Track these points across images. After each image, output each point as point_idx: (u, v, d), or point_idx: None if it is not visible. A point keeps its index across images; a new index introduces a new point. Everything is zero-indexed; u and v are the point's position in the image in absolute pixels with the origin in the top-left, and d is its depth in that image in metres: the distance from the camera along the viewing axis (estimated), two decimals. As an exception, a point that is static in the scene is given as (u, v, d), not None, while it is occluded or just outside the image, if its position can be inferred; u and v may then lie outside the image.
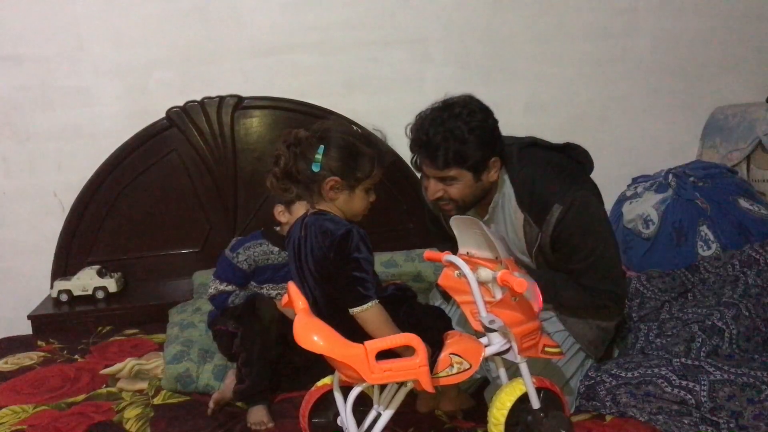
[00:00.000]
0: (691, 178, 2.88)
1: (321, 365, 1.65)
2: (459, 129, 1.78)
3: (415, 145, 1.86)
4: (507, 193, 1.93)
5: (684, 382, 1.90)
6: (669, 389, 1.89)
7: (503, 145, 1.89)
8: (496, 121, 1.87)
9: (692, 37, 3.30)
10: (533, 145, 1.98)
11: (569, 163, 1.97)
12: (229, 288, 2.24)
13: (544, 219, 1.86)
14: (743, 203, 2.82)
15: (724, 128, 3.21)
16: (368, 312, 1.55)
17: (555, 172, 1.91)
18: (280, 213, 2.26)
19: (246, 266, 2.24)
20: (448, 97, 1.86)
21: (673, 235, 2.81)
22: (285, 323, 1.93)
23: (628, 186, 3.13)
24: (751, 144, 3.06)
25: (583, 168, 1.99)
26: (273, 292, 2.26)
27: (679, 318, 2.26)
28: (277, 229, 2.31)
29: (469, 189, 1.86)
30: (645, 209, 2.91)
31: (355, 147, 1.62)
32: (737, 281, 2.37)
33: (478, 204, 1.94)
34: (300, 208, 2.17)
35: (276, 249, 2.26)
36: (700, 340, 2.12)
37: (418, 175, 1.98)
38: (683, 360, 2.01)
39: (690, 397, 1.87)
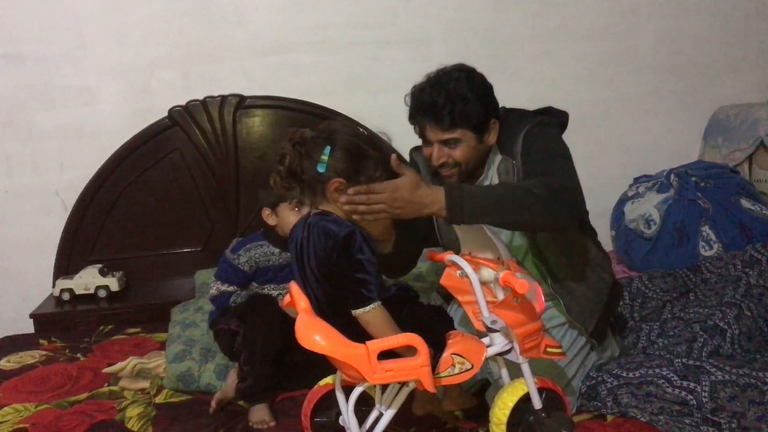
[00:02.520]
0: (693, 178, 2.88)
1: (323, 365, 1.65)
2: (461, 89, 1.83)
3: (418, 110, 1.87)
4: (497, 154, 1.96)
5: (685, 383, 1.90)
6: (670, 390, 1.89)
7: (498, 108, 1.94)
8: (490, 84, 1.91)
9: (694, 37, 3.30)
10: (513, 110, 2.03)
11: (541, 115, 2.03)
12: (231, 289, 2.24)
13: (515, 143, 1.89)
14: (745, 203, 2.81)
15: (726, 128, 3.21)
16: (370, 314, 1.55)
17: (527, 113, 1.99)
18: (268, 216, 2.26)
19: (247, 268, 2.24)
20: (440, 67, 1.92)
21: (675, 235, 2.81)
22: (287, 322, 1.94)
23: (630, 186, 3.13)
24: (753, 144, 3.06)
25: (556, 120, 2.02)
26: (274, 293, 2.26)
27: (681, 318, 2.26)
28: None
29: (472, 151, 1.88)
30: (647, 209, 2.91)
31: (361, 149, 1.61)
32: (739, 281, 2.37)
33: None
34: (285, 209, 2.18)
35: (277, 250, 2.26)
36: (701, 340, 2.12)
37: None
38: (685, 360, 2.01)
39: (691, 397, 1.87)
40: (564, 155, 1.88)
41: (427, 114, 1.86)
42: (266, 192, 2.21)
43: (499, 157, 1.95)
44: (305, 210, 2.09)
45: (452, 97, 1.82)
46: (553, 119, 1.98)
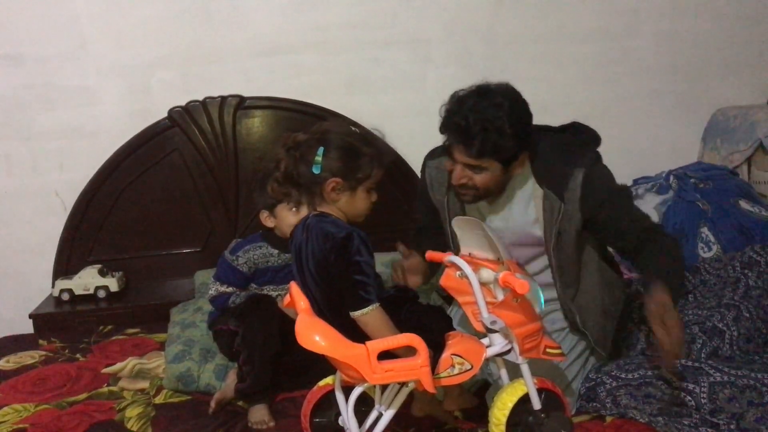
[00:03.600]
0: (692, 180, 2.88)
1: (322, 365, 1.66)
2: (500, 120, 1.74)
3: (450, 128, 1.80)
4: (523, 174, 1.91)
5: (684, 384, 1.90)
6: (669, 391, 1.89)
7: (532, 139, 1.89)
8: (531, 115, 1.85)
9: (693, 38, 3.30)
10: (542, 129, 1.98)
11: (577, 140, 1.99)
12: (230, 290, 2.24)
13: (567, 186, 1.84)
14: (744, 205, 2.82)
15: (725, 130, 3.21)
16: (368, 315, 1.55)
17: (567, 145, 1.93)
18: (266, 218, 2.26)
19: (246, 269, 2.24)
20: (484, 82, 1.83)
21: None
22: (286, 322, 1.94)
23: (629, 187, 3.13)
24: (752, 146, 3.06)
25: (590, 142, 2.00)
26: (274, 294, 2.26)
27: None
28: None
29: (495, 180, 1.84)
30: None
31: (355, 147, 1.62)
32: (738, 283, 2.37)
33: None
34: (283, 211, 2.18)
35: (275, 251, 2.26)
36: (700, 341, 2.12)
37: (415, 173, 1.96)
38: (683, 361, 2.01)
39: (690, 398, 1.87)
40: (629, 195, 2.01)
41: (459, 136, 1.78)
42: (262, 194, 2.21)
43: (540, 191, 1.89)
44: (303, 210, 2.10)
45: (487, 127, 1.74)
46: (592, 145, 1.96)
